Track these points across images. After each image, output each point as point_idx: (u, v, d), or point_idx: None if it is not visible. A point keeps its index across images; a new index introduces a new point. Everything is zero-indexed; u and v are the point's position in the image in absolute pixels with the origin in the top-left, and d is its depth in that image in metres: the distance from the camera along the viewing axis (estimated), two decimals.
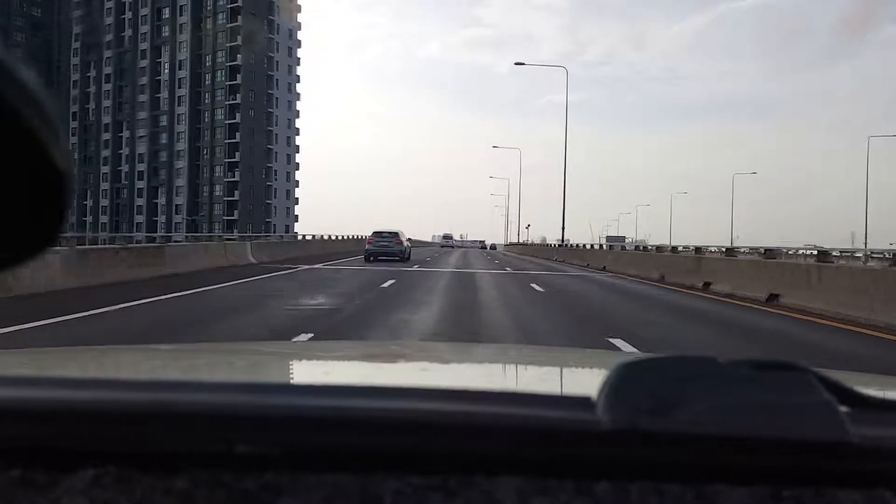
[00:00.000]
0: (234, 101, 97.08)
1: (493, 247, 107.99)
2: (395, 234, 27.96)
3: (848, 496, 0.57)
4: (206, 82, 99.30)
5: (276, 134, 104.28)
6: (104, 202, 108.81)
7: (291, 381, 0.84)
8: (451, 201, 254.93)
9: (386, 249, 27.06)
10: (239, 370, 1.20)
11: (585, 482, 0.57)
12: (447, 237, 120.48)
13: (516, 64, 49.00)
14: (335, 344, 3.04)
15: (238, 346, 2.33)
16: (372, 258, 26.49)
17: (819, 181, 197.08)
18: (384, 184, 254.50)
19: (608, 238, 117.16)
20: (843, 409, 0.57)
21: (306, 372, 1.24)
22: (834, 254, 17.28)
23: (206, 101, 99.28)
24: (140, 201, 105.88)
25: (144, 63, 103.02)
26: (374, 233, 28.36)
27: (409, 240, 31.16)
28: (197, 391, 0.65)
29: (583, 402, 0.59)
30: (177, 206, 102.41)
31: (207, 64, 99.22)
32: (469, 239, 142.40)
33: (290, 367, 1.31)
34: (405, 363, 1.39)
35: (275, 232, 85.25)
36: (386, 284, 14.65)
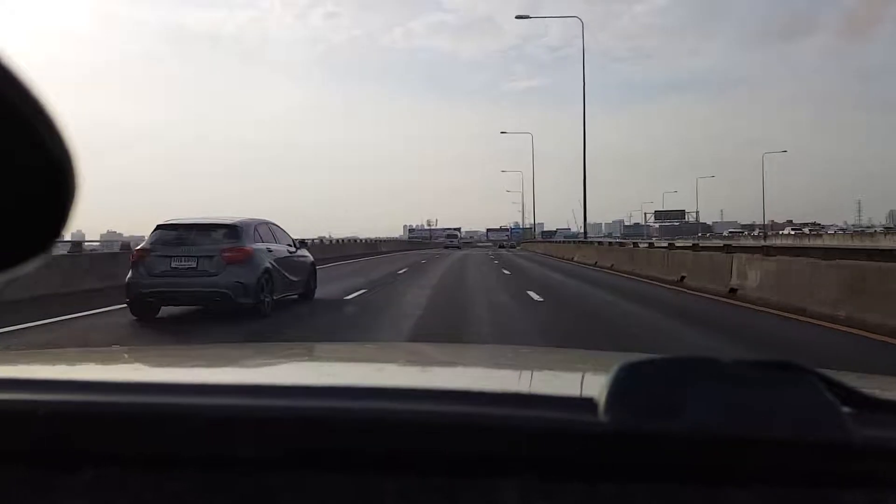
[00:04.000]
0: None
1: (512, 246, 75.86)
2: (232, 234, 8.54)
3: (850, 497, 0.57)
4: None
5: None
6: None
7: (290, 383, 0.84)
8: (426, 190, 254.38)
9: (185, 286, 8.09)
10: (238, 372, 1.20)
11: (587, 483, 0.57)
12: (451, 236, 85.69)
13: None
14: (335, 345, 3.05)
15: (237, 348, 2.33)
16: (146, 309, 8.23)
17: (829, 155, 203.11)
18: (344, 179, 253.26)
19: (656, 213, 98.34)
20: (846, 409, 0.57)
21: (306, 373, 1.24)
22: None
23: None
24: None
25: None
26: (159, 229, 8.58)
27: (303, 242, 11.35)
28: (196, 393, 0.65)
29: (585, 404, 0.58)
30: None
31: None
32: (442, 227, 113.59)
33: (290, 368, 1.30)
34: (405, 364, 1.38)
35: None
36: None
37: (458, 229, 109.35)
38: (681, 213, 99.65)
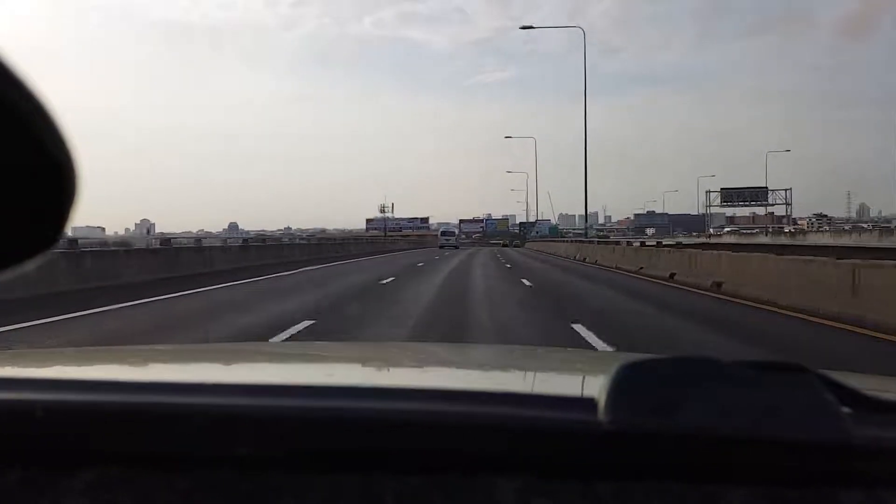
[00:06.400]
0: None
1: (516, 245, 63.79)
2: None
3: (849, 497, 0.57)
4: None
5: None
6: None
7: (292, 383, 0.84)
8: (395, 181, 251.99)
9: None
10: (240, 371, 1.20)
11: (587, 483, 0.57)
12: (447, 234, 76.46)
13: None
14: (336, 345, 3.07)
15: (239, 347, 2.32)
16: None
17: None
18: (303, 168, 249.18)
19: (723, 193, 74.63)
20: (845, 409, 0.57)
21: (308, 373, 1.24)
22: None
23: None
24: None
25: None
26: None
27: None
28: (198, 392, 0.65)
29: (585, 403, 0.58)
30: None
31: None
32: (407, 217, 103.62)
33: (292, 368, 1.30)
34: (406, 364, 1.38)
35: None
36: None
37: (427, 220, 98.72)
38: (762, 192, 71.16)
